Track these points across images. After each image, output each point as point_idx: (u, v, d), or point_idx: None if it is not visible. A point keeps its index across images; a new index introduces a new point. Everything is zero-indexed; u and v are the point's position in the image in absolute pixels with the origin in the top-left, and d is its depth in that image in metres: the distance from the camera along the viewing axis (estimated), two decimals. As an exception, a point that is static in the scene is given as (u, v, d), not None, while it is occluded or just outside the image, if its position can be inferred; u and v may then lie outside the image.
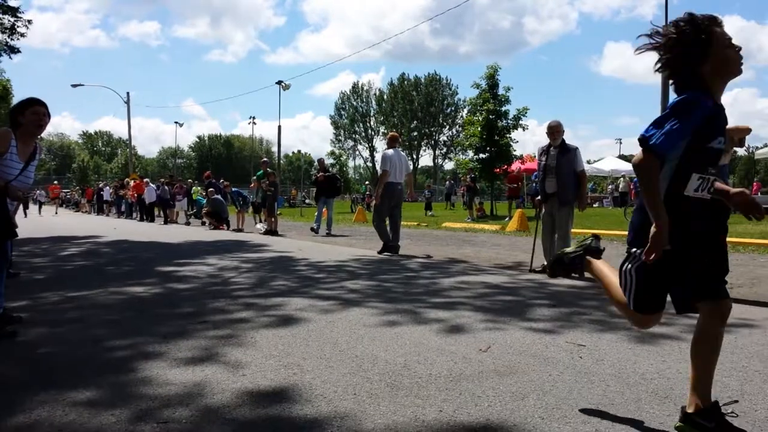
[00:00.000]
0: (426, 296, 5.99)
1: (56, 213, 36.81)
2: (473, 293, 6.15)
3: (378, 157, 12.94)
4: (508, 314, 5.05)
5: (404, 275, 7.60)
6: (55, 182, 47.69)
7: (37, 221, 25.10)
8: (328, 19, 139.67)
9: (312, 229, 15.69)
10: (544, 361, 3.66)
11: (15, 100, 55.86)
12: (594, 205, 34.63)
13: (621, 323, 4.67)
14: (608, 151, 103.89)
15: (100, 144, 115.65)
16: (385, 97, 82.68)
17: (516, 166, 29.96)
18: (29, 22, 16.20)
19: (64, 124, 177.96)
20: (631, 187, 31.57)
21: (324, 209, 15.95)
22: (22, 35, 16.19)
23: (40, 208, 35.44)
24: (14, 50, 16.34)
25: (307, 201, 40.84)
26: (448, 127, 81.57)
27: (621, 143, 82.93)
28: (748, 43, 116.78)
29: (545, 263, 7.81)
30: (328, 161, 45.14)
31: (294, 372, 3.49)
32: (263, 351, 3.94)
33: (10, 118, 4.53)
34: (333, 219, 16.42)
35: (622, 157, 58.39)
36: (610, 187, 38.16)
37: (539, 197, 8.04)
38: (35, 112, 4.46)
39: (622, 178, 33.89)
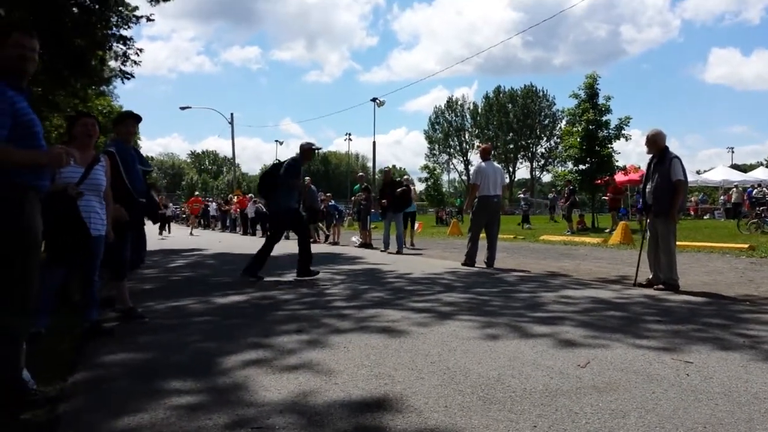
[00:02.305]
0: (524, 310, 5.81)
1: (191, 233, 28.24)
2: (576, 308, 5.91)
3: (472, 170, 12.05)
4: (610, 330, 4.81)
5: (501, 288, 7.43)
6: (196, 194, 45.50)
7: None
8: (418, 37, 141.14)
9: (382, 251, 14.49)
10: (647, 378, 3.46)
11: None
12: (705, 217, 32.79)
13: (733, 340, 4.37)
14: (718, 160, 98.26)
15: (207, 162, 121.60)
16: (479, 110, 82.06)
17: (619, 177, 28.88)
18: (140, 50, 17.24)
19: (173, 145, 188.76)
20: (745, 198, 29.65)
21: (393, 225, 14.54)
22: (136, 62, 17.23)
23: (166, 227, 27.14)
24: (127, 75, 17.40)
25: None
26: (545, 138, 79.91)
27: (733, 152, 78.33)
28: None
29: (650, 277, 7.44)
30: (421, 175, 45.20)
31: (385, 382, 3.47)
32: (355, 360, 3.95)
33: (67, 129, 5.09)
34: (404, 236, 15.01)
35: (734, 166, 55.07)
36: (722, 198, 35.96)
37: (640, 208, 7.71)
38: (84, 123, 4.91)
39: (734, 189, 31.88)
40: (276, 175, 8.87)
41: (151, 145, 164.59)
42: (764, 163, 61.55)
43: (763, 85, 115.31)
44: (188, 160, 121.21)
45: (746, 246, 12.48)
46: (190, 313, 5.98)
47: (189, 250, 16.03)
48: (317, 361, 3.94)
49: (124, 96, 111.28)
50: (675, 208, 7.28)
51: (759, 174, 37.20)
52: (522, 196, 34.97)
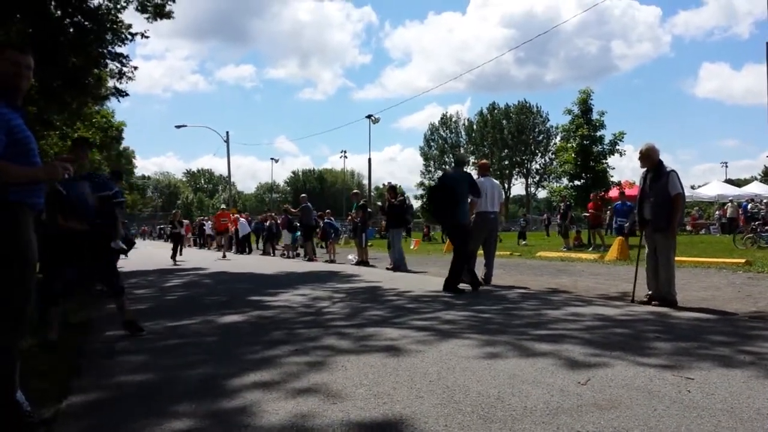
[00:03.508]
0: (525, 328, 5.76)
1: (224, 257, 23.38)
2: (577, 325, 5.87)
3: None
4: (610, 346, 4.78)
5: (502, 306, 7.39)
6: (223, 207, 36.22)
7: (146, 255, 26.43)
8: (411, 55, 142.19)
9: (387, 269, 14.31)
10: (649, 395, 3.43)
11: (125, 143, 59.38)
12: (701, 232, 32.83)
13: (734, 356, 4.34)
14: (712, 175, 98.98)
15: (202, 181, 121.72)
16: (474, 126, 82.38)
17: (614, 192, 28.95)
18: (135, 68, 17.31)
19: (168, 164, 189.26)
20: (740, 212, 29.73)
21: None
22: (130, 78, 17.31)
23: (179, 249, 22.42)
24: (122, 93, 17.46)
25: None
26: (540, 154, 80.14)
27: (727, 167, 78.79)
28: None
29: (650, 293, 7.41)
30: (416, 192, 45.27)
31: (384, 401, 3.44)
32: (353, 380, 3.92)
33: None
34: (402, 252, 14.53)
35: (728, 181, 55.30)
36: (717, 213, 36.06)
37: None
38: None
39: (729, 204, 31.96)
40: (456, 192, 9.11)
41: (145, 164, 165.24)
42: (758, 177, 61.87)
43: (754, 99, 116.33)
44: (184, 179, 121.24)
45: (743, 261, 12.48)
46: (188, 333, 5.94)
47: (185, 270, 15.97)
48: (316, 382, 3.90)
49: (119, 115, 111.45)
50: (675, 222, 7.27)
51: (753, 188, 37.39)
52: (522, 220, 35.25)
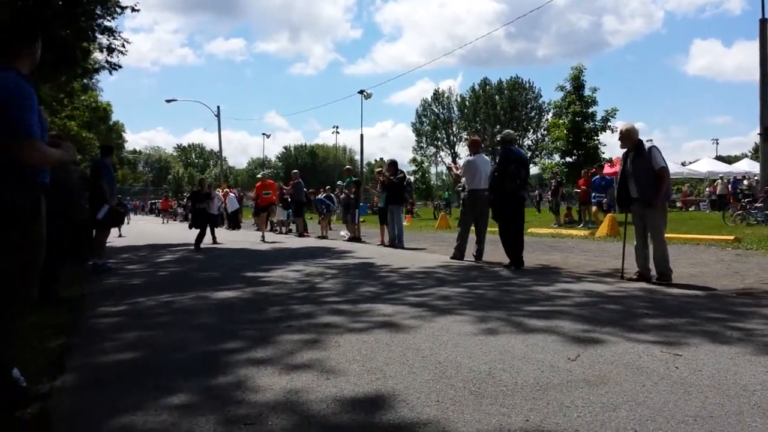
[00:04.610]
0: (517, 304, 5.83)
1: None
2: (568, 301, 5.93)
3: (460, 163, 11.91)
4: (601, 323, 4.84)
5: (495, 282, 7.45)
6: (264, 173, 47.49)
7: (137, 230, 26.39)
8: (402, 29, 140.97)
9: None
10: (637, 371, 3.49)
11: (114, 118, 58.98)
12: (691, 209, 33.04)
13: (722, 333, 4.41)
14: (703, 152, 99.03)
15: (193, 156, 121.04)
16: (467, 102, 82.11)
17: (606, 169, 29.02)
18: (127, 41, 17.11)
19: (159, 138, 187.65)
20: (729, 189, 29.91)
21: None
22: (122, 52, 17.12)
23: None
24: (114, 66, 17.28)
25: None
26: (532, 130, 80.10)
27: (718, 144, 79.09)
28: None
29: (638, 270, 7.49)
30: (409, 168, 45.12)
31: (377, 377, 3.48)
32: (347, 355, 3.96)
33: None
34: (402, 229, 14.46)
35: (719, 158, 55.50)
36: (707, 189, 36.26)
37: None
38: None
39: (719, 180, 32.15)
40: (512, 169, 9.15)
41: (136, 138, 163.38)
42: (749, 154, 62.10)
43: (745, 76, 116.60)
44: (174, 154, 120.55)
45: (732, 238, 12.59)
46: (181, 310, 5.96)
47: (176, 245, 15.95)
48: (309, 357, 3.94)
49: (108, 89, 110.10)
50: (661, 194, 7.35)
51: (743, 166, 37.52)
52: None
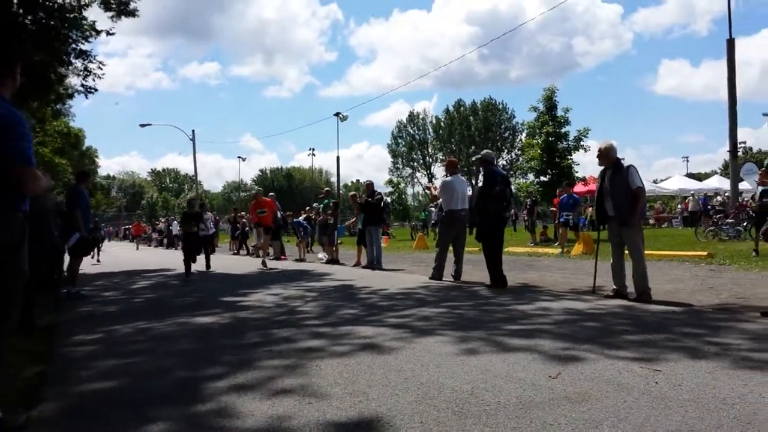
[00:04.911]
0: (497, 323, 5.84)
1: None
2: (548, 320, 5.96)
3: (437, 183, 12.03)
4: (579, 341, 4.87)
5: (475, 302, 7.46)
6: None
7: (110, 256, 26.03)
8: (376, 52, 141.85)
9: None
10: (618, 387, 3.52)
11: (87, 143, 58.43)
12: (663, 226, 33.51)
13: (700, 348, 4.47)
14: (674, 169, 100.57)
15: (167, 181, 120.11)
16: (441, 123, 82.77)
17: (579, 188, 29.39)
18: (103, 64, 17.04)
19: (132, 163, 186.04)
20: (701, 206, 30.43)
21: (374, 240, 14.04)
22: (98, 76, 17.04)
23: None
24: (90, 90, 17.17)
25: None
26: (506, 150, 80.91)
27: (688, 161, 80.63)
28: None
29: (615, 287, 7.56)
30: (385, 190, 45.17)
31: (359, 400, 3.46)
32: (328, 379, 3.93)
33: None
34: (381, 250, 14.38)
35: (690, 175, 56.51)
36: (679, 206, 36.86)
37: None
38: None
39: (691, 197, 32.71)
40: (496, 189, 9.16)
41: (109, 163, 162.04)
42: (718, 171, 63.35)
43: (712, 95, 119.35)
44: (148, 179, 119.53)
45: (705, 253, 12.80)
46: (158, 336, 5.87)
47: (152, 271, 15.76)
48: (291, 382, 3.90)
49: (81, 114, 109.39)
50: (637, 214, 7.45)
51: (714, 182, 38.26)
52: None
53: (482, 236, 9.30)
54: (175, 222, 37.60)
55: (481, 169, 9.61)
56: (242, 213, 27.59)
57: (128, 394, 3.84)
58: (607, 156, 7.68)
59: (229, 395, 3.65)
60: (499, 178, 9.31)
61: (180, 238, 33.84)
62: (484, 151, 10.36)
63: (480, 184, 9.58)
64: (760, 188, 12.68)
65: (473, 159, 9.13)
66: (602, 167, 7.82)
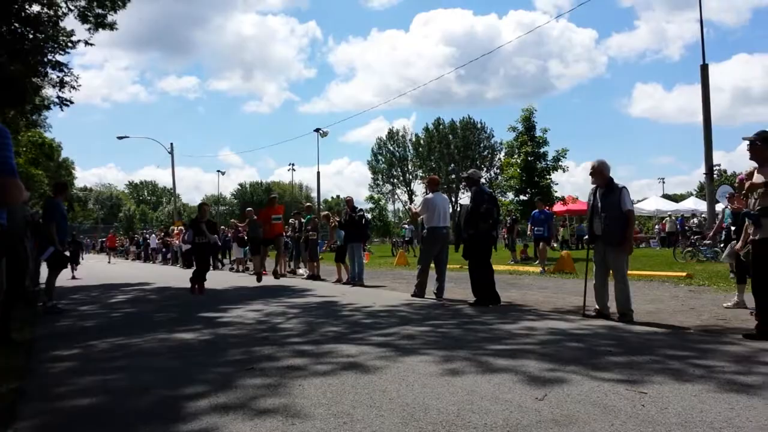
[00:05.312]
0: (482, 342, 5.81)
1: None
2: (533, 339, 5.95)
3: (417, 200, 12.11)
4: (564, 362, 4.85)
5: (459, 320, 7.43)
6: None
7: (87, 269, 25.64)
8: (355, 70, 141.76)
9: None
10: (605, 410, 3.49)
11: (64, 154, 57.82)
12: (641, 246, 33.85)
13: (686, 370, 4.47)
14: (650, 191, 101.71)
15: (145, 193, 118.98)
16: (421, 141, 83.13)
17: (558, 207, 29.64)
18: (77, 77, 16.90)
19: (109, 175, 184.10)
20: (678, 227, 30.83)
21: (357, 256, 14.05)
22: (74, 87, 16.89)
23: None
24: (66, 102, 17.00)
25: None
26: (485, 169, 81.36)
27: (664, 182, 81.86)
28: None
29: (597, 307, 7.56)
30: (366, 206, 45.19)
31: (344, 421, 3.40)
32: (312, 399, 3.86)
33: None
34: (363, 266, 14.36)
35: (666, 196, 57.26)
36: (656, 227, 37.31)
37: (585, 238, 7.90)
38: None
39: (668, 218, 33.13)
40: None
41: (86, 175, 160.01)
42: (693, 193, 64.34)
43: (686, 118, 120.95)
44: (126, 191, 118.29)
45: (684, 274, 12.93)
46: (138, 352, 5.76)
47: (129, 285, 15.53)
48: (273, 402, 3.83)
49: (57, 126, 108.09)
50: (629, 238, 7.45)
51: (690, 204, 38.81)
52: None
53: (471, 254, 9.29)
54: (153, 235, 37.26)
55: (470, 188, 9.65)
56: (223, 227, 27.35)
57: (107, 412, 3.74)
58: (601, 173, 7.59)
59: (211, 415, 3.57)
60: (486, 197, 9.34)
61: (155, 251, 33.76)
62: (471, 170, 10.43)
63: (462, 202, 9.64)
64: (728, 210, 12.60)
65: (463, 176, 9.20)
66: (594, 185, 7.74)
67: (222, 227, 26.79)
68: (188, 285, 12.19)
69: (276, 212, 14.90)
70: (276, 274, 14.50)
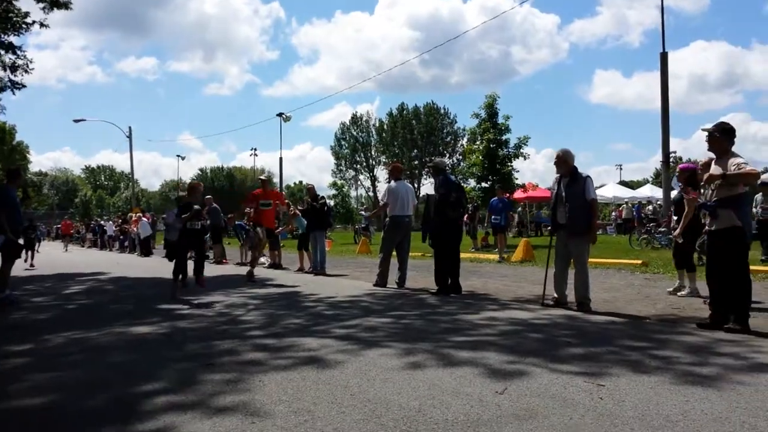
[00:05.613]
0: (444, 334, 5.82)
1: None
2: (494, 330, 6.00)
3: (381, 187, 12.02)
4: (524, 353, 4.90)
5: (422, 311, 7.43)
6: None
7: (43, 257, 25.01)
8: (318, 53, 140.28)
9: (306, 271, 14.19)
10: (563, 403, 3.54)
11: (18, 138, 56.21)
12: (598, 232, 34.44)
13: (642, 361, 4.56)
14: (608, 177, 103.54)
15: (102, 178, 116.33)
16: (385, 126, 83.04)
17: (518, 194, 29.96)
18: (30, 61, 16.36)
19: (65, 159, 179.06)
20: (634, 213, 31.45)
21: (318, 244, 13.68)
22: (26, 71, 16.35)
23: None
24: (17, 86, 16.45)
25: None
26: (448, 155, 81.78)
27: (621, 169, 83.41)
28: (734, 68, 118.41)
29: (556, 296, 7.66)
30: (330, 192, 44.95)
31: (305, 419, 3.37)
32: (272, 396, 3.82)
33: None
34: (325, 255, 14.02)
35: (623, 183, 58.36)
36: (613, 214, 37.99)
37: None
38: None
39: (625, 205, 33.78)
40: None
41: (40, 159, 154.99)
42: (650, 179, 65.72)
43: (643, 105, 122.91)
44: (82, 176, 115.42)
45: (639, 262, 13.21)
46: (93, 347, 5.62)
47: (85, 275, 15.18)
48: (233, 399, 3.78)
49: (11, 108, 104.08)
50: (594, 228, 7.54)
51: (646, 191, 39.57)
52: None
53: (438, 243, 9.33)
54: (110, 222, 36.48)
55: (436, 177, 9.68)
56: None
57: (61, 411, 3.65)
58: (566, 162, 7.61)
59: (168, 414, 3.50)
60: (453, 186, 9.38)
61: (112, 238, 33.01)
62: (437, 159, 10.46)
63: (426, 191, 9.70)
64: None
65: (429, 165, 9.15)
66: (558, 174, 7.78)
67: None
68: (146, 275, 11.88)
69: (266, 197, 13.01)
70: (251, 275, 12.18)
